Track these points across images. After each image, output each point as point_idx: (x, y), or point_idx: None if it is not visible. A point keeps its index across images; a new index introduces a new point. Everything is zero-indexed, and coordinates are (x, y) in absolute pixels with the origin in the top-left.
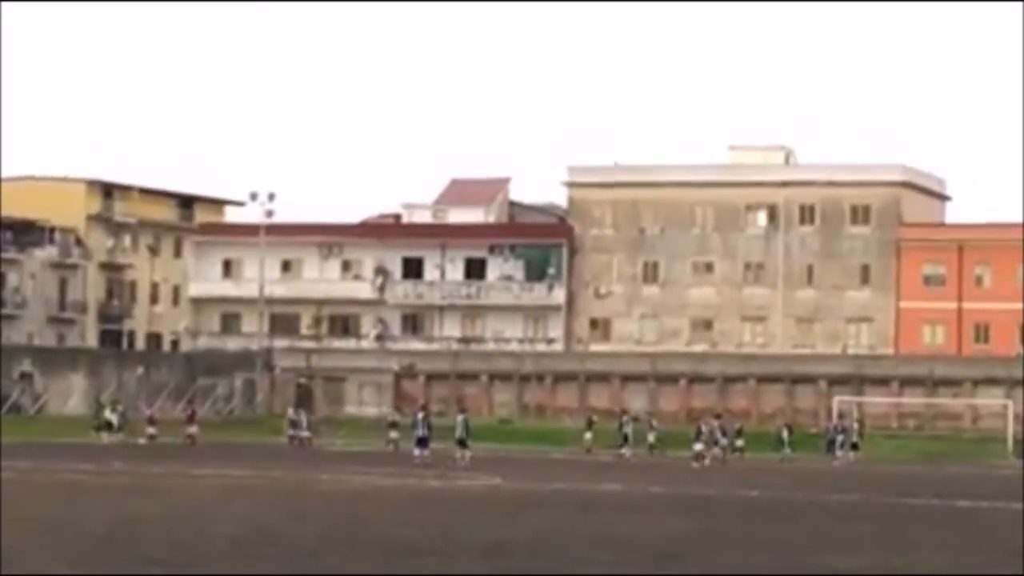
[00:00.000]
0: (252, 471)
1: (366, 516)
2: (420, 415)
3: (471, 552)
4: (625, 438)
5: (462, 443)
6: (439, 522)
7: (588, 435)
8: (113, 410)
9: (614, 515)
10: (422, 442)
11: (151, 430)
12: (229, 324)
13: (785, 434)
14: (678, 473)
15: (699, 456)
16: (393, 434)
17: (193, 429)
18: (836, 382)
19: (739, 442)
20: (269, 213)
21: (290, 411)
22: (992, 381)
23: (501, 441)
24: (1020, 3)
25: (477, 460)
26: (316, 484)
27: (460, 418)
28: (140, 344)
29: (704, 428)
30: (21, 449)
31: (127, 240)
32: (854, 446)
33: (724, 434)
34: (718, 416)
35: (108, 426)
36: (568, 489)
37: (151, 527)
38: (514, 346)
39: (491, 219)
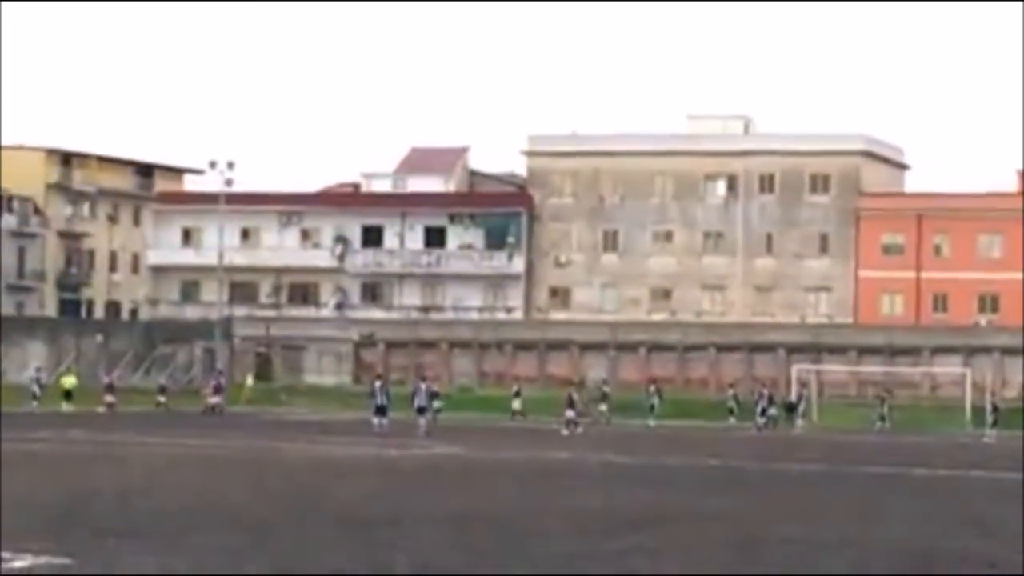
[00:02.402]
0: (211, 440)
1: (324, 486)
2: (378, 384)
3: (430, 522)
4: (652, 407)
5: (422, 411)
6: (398, 492)
7: (603, 406)
8: (38, 379)
9: (574, 484)
10: (381, 411)
11: (110, 398)
12: (188, 292)
13: (764, 403)
14: (637, 442)
15: (569, 423)
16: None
17: (217, 399)
18: (795, 351)
19: (772, 411)
20: (228, 182)
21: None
22: (950, 350)
23: (461, 409)
24: None
25: (437, 429)
26: (274, 453)
27: (422, 386)
28: (99, 312)
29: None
30: None
31: (86, 208)
32: (764, 412)
33: (772, 402)
34: (731, 384)
35: (67, 395)
36: (529, 458)
37: (107, 496)
38: (474, 315)
39: (451, 188)
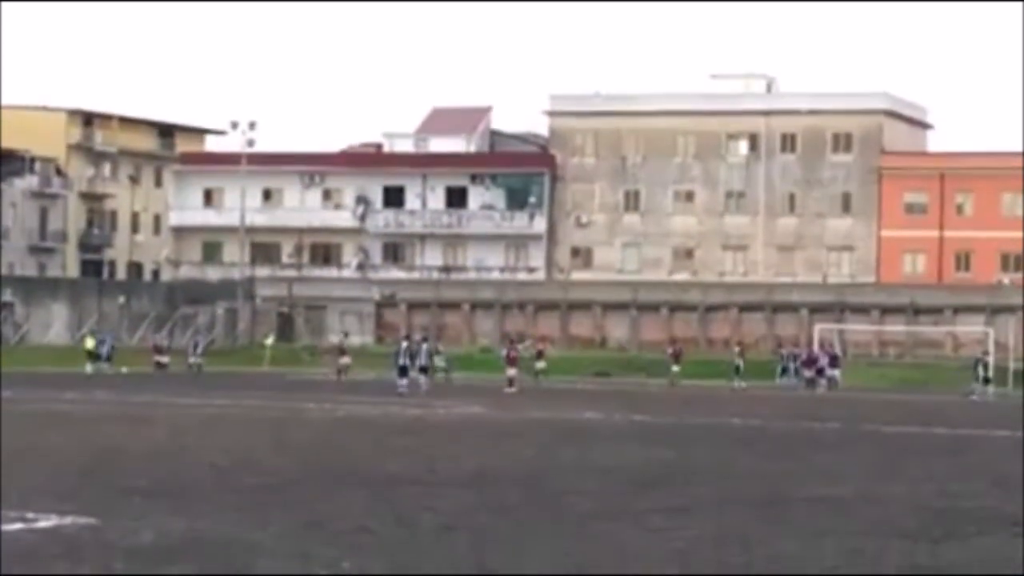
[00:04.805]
0: (233, 400)
1: (347, 445)
2: (404, 344)
3: (453, 481)
4: (737, 369)
5: (424, 370)
6: (421, 451)
7: (739, 366)
8: (93, 340)
9: (597, 444)
10: (403, 371)
11: (163, 359)
12: (210, 253)
13: (791, 364)
14: (658, 402)
15: (511, 381)
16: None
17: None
18: (817, 310)
19: (807, 372)
20: (250, 142)
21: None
22: (973, 309)
23: (482, 370)
24: None
25: (458, 388)
26: (298, 413)
27: (424, 347)
28: (121, 273)
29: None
30: (3, 379)
31: (108, 169)
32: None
33: (805, 363)
34: (780, 344)
35: (93, 356)
36: (550, 418)
37: (133, 457)
38: (495, 275)
39: (472, 148)
